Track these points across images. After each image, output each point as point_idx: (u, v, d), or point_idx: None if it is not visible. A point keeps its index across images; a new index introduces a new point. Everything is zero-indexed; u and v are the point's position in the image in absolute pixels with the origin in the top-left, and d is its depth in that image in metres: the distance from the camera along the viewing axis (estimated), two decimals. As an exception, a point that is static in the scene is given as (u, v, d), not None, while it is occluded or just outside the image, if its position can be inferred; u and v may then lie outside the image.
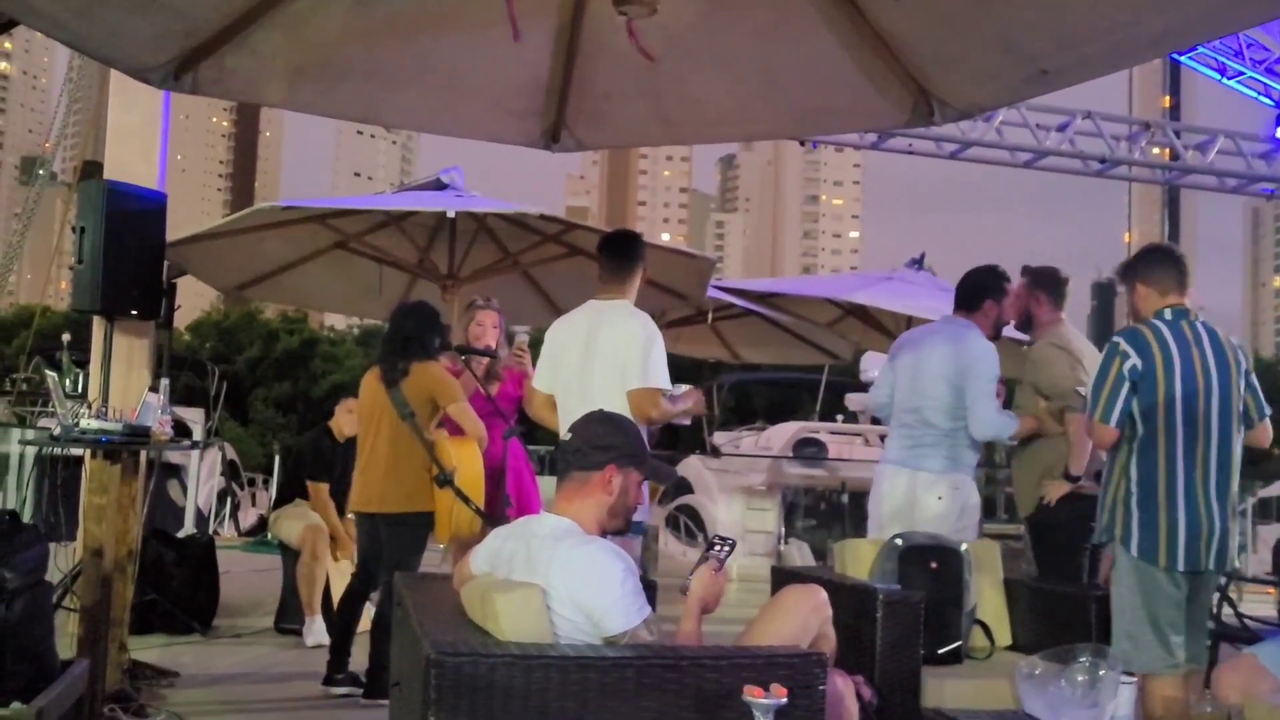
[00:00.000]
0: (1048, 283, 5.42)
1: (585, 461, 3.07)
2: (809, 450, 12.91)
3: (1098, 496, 4.84)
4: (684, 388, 4.69)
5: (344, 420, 7.23)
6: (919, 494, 5.04)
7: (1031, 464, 5.28)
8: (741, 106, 4.80)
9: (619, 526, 3.11)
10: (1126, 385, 3.93)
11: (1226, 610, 6.04)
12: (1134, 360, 3.93)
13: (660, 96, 4.68)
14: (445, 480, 5.13)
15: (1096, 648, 3.12)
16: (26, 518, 4.68)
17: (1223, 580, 6.19)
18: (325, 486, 7.11)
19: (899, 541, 4.56)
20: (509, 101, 4.83)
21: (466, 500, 5.10)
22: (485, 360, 5.81)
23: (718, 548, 3.11)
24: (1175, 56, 17.69)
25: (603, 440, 3.10)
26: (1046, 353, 5.26)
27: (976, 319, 5.22)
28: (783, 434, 13.62)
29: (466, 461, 5.22)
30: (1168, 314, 4.03)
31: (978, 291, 5.25)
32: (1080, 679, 2.88)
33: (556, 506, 3.10)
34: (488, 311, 5.96)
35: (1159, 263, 4.12)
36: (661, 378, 4.41)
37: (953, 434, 5.05)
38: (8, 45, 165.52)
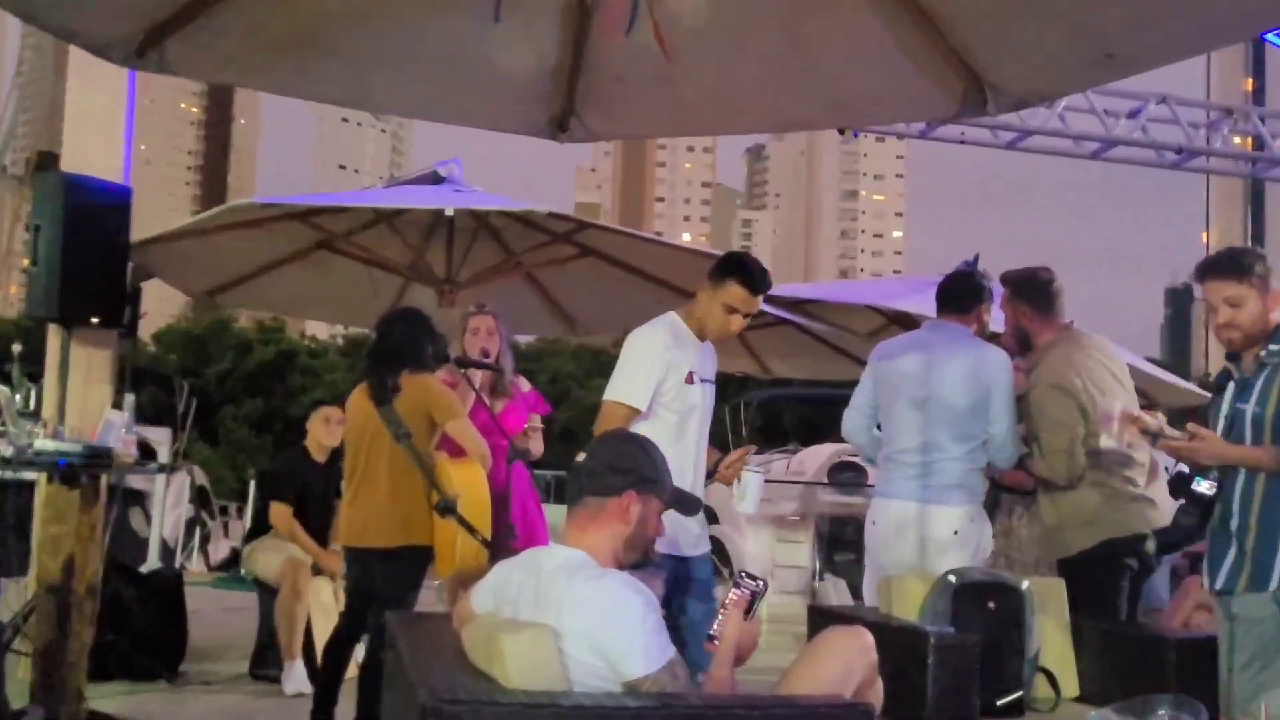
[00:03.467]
0: (1029, 290, 5.30)
1: (601, 486, 3.08)
2: (847, 475, 12.85)
3: (1130, 536, 4.83)
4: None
5: (321, 431, 7.25)
6: (931, 530, 4.96)
7: (1064, 507, 5.20)
8: (772, 93, 4.81)
9: (637, 560, 3.11)
10: None
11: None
12: None
13: (681, 81, 4.68)
14: (447, 508, 5.12)
15: (1178, 699, 3.10)
16: (-26, 549, 4.70)
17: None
18: (287, 508, 7.12)
19: (952, 578, 4.55)
20: (513, 86, 4.85)
21: (472, 530, 5.09)
22: (488, 373, 5.81)
23: (746, 586, 3.09)
24: (1262, 34, 17.62)
25: (621, 463, 3.10)
26: (1046, 399, 5.12)
27: (969, 323, 5.21)
28: (817, 457, 13.55)
29: (470, 486, 5.21)
30: None
31: (973, 294, 5.25)
32: (1160, 734, 2.86)
33: (568, 537, 3.11)
34: (481, 317, 5.98)
35: None
36: (623, 391, 4.40)
37: (968, 458, 5.01)
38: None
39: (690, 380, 4.46)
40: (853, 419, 5.34)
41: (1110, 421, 4.56)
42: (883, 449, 5.22)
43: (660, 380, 4.41)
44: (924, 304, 9.78)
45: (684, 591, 4.41)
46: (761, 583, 3.12)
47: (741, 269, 4.54)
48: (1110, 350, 5.36)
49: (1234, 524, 3.91)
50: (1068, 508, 5.12)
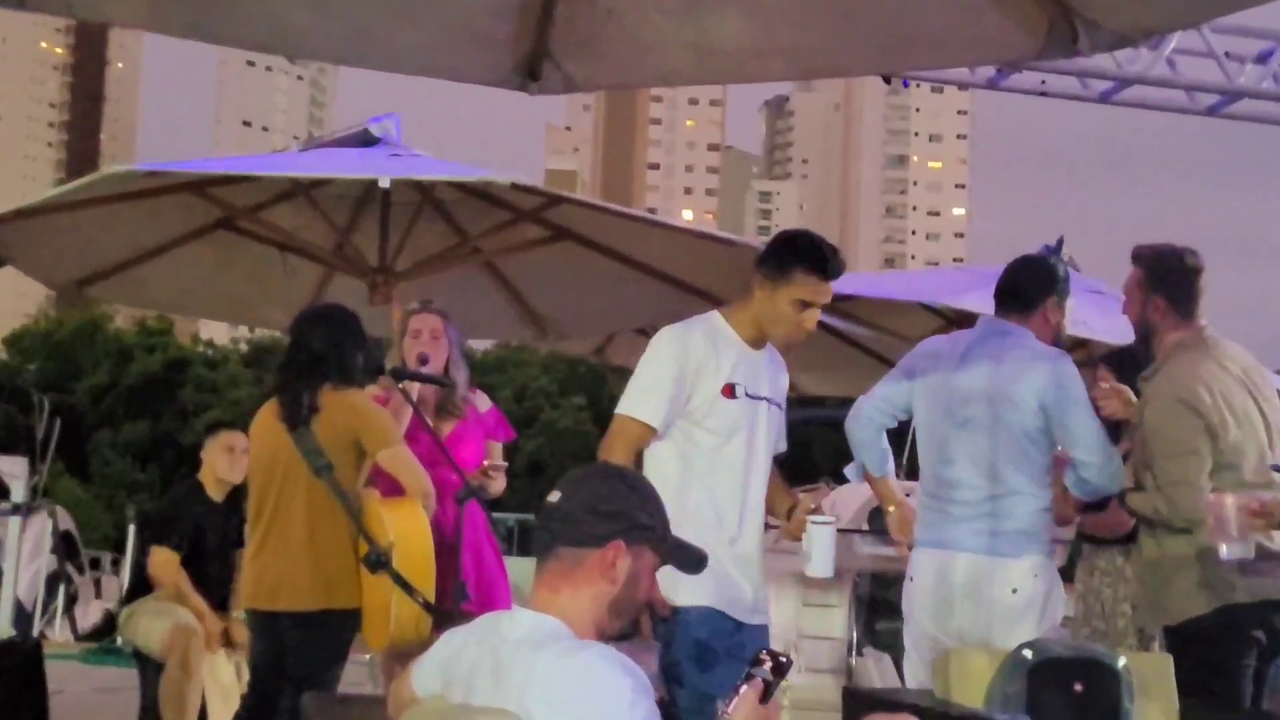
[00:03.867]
0: (1172, 278, 5.26)
1: (578, 534, 3.07)
2: (892, 521, 12.92)
3: (1258, 602, 4.82)
4: None
5: (221, 462, 7.24)
6: (983, 587, 5.04)
7: (1175, 559, 5.20)
8: (802, 31, 4.81)
9: (624, 628, 3.12)
10: None
11: None
12: None
13: (688, 16, 4.69)
14: (379, 562, 5.13)
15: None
16: None
17: None
18: (173, 555, 7.09)
19: (1028, 653, 4.55)
20: (470, 21, 4.85)
21: (410, 589, 5.10)
22: (433, 388, 5.81)
23: (766, 665, 3.10)
24: None
25: (605, 504, 3.10)
26: (1166, 416, 5.11)
27: (1034, 323, 5.26)
28: (855, 497, 13.54)
29: (409, 533, 5.22)
30: None
31: (1039, 284, 5.31)
32: None
33: (536, 598, 3.10)
34: (424, 316, 6.01)
35: None
36: (633, 403, 4.53)
37: (1032, 493, 5.09)
38: None
39: (730, 394, 4.54)
40: (867, 410, 5.40)
41: (1225, 526, 4.53)
42: (922, 483, 5.26)
43: (685, 392, 4.50)
44: (992, 301, 9.81)
45: (725, 666, 4.33)
46: (783, 660, 3.12)
47: (808, 252, 4.60)
48: (1251, 364, 5.29)
49: None
50: (1179, 561, 5.11)
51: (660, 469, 4.47)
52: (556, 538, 3.09)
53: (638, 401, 4.51)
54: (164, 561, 7.14)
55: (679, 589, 4.29)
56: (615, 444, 4.45)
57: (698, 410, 4.51)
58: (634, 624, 3.13)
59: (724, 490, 4.53)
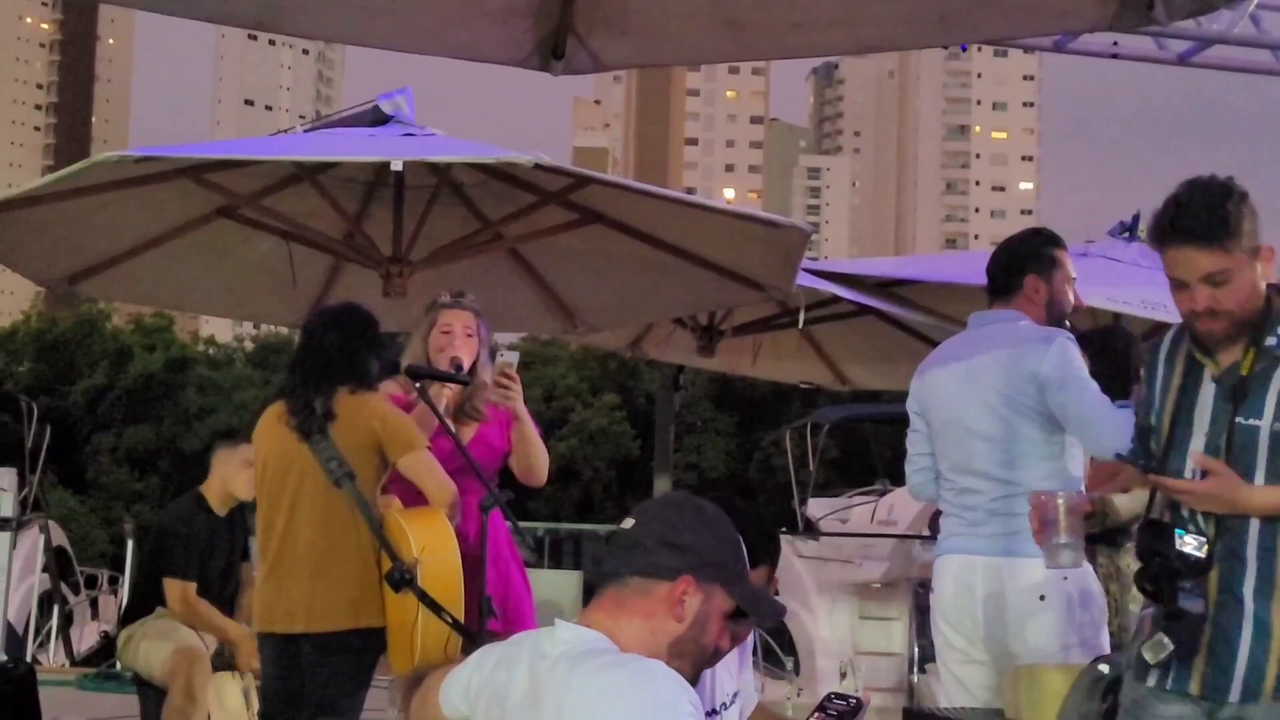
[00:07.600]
0: None
1: (647, 563, 3.05)
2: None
3: None
4: None
5: (238, 479, 7.23)
6: (1008, 595, 5.07)
7: None
8: (850, 0, 4.80)
9: (686, 671, 3.01)
10: None
11: None
12: None
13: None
14: (404, 579, 5.13)
15: None
16: None
17: None
18: (190, 586, 7.10)
19: (1104, 668, 4.54)
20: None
21: (438, 609, 5.10)
22: (453, 389, 5.80)
23: (834, 709, 3.10)
24: None
25: (677, 536, 3.07)
26: None
27: (1019, 304, 5.30)
28: (914, 501, 13.58)
29: (435, 547, 5.22)
30: None
31: (1012, 266, 5.35)
32: None
33: (587, 617, 3.08)
34: (457, 311, 5.95)
35: None
36: None
37: (1045, 489, 5.09)
38: None
39: None
40: (914, 477, 5.53)
41: (1052, 530, 4.42)
42: (943, 495, 5.36)
43: None
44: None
45: None
46: (851, 702, 3.12)
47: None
48: None
49: (1249, 595, 3.75)
50: None
51: None
52: (624, 565, 3.07)
53: None
54: (180, 596, 7.10)
55: None
56: None
57: None
58: (696, 670, 3.06)
59: None
